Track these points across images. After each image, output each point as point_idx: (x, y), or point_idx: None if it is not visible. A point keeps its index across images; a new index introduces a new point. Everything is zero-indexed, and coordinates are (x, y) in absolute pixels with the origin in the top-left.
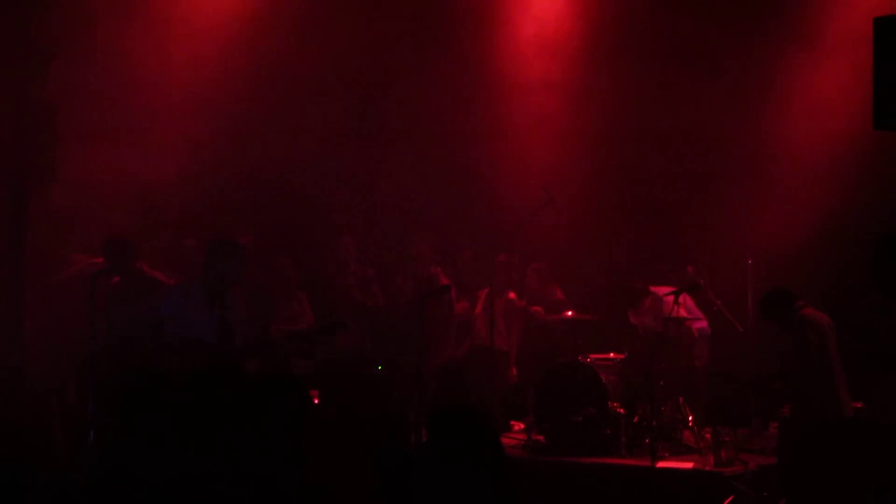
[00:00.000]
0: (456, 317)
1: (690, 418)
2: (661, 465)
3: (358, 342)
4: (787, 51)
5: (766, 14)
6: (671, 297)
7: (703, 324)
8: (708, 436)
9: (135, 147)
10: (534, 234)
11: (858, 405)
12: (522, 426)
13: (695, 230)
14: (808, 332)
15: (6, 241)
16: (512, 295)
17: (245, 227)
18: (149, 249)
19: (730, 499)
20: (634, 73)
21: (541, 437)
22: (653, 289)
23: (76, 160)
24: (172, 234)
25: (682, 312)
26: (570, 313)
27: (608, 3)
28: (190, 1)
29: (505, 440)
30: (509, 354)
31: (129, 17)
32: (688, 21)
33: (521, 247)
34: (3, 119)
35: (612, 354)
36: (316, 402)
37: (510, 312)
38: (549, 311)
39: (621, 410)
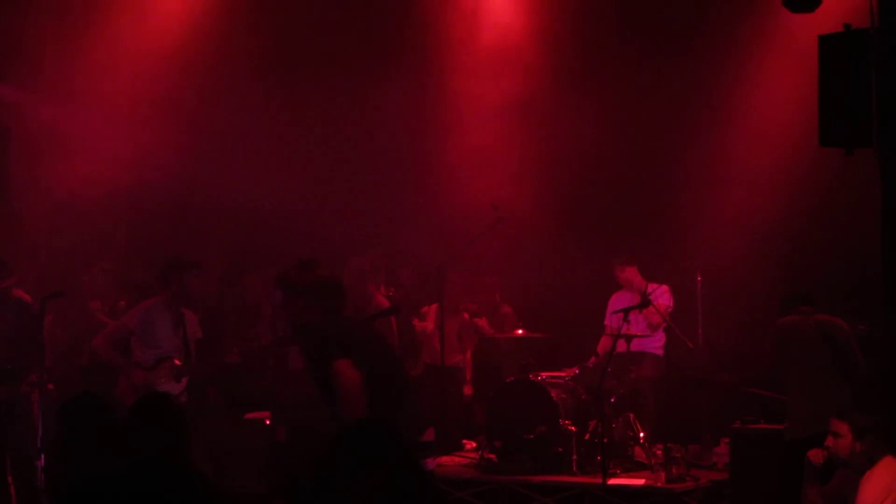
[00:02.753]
0: (397, 337)
1: (641, 435)
2: (612, 482)
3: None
4: (735, 68)
5: (714, 30)
6: (620, 315)
7: (656, 342)
8: (659, 452)
9: (84, 168)
10: (483, 252)
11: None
12: (474, 445)
13: (644, 248)
14: (766, 340)
15: None
16: (466, 314)
17: (213, 251)
18: (96, 272)
19: None
20: (582, 91)
21: (492, 456)
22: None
23: (25, 183)
24: (119, 256)
25: (633, 329)
26: (520, 332)
27: (559, 24)
28: (137, 14)
29: (457, 459)
30: (464, 372)
31: (76, 34)
32: (635, 36)
33: (469, 265)
34: None
35: (563, 372)
36: (267, 423)
37: (465, 330)
38: (497, 325)
39: (572, 428)
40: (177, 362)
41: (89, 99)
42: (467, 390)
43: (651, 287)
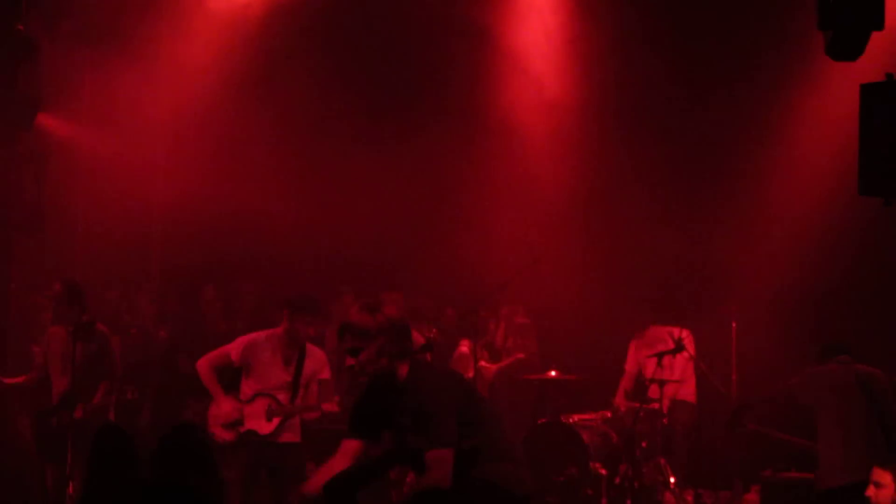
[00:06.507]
0: None
1: (672, 480)
2: None
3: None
4: (775, 117)
5: (754, 77)
6: (654, 360)
7: (688, 388)
8: (689, 498)
9: (119, 195)
10: (519, 293)
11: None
12: None
13: (679, 294)
14: (792, 387)
15: None
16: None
17: (246, 283)
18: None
19: None
20: (621, 133)
21: None
22: (657, 327)
23: (61, 211)
24: (156, 287)
25: (667, 374)
26: (553, 373)
27: (600, 63)
28: (174, 45)
29: None
30: None
31: (114, 64)
32: (676, 70)
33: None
34: None
35: (594, 414)
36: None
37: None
38: (524, 360)
39: (603, 471)
40: (276, 401)
41: (126, 127)
42: None
43: (676, 332)
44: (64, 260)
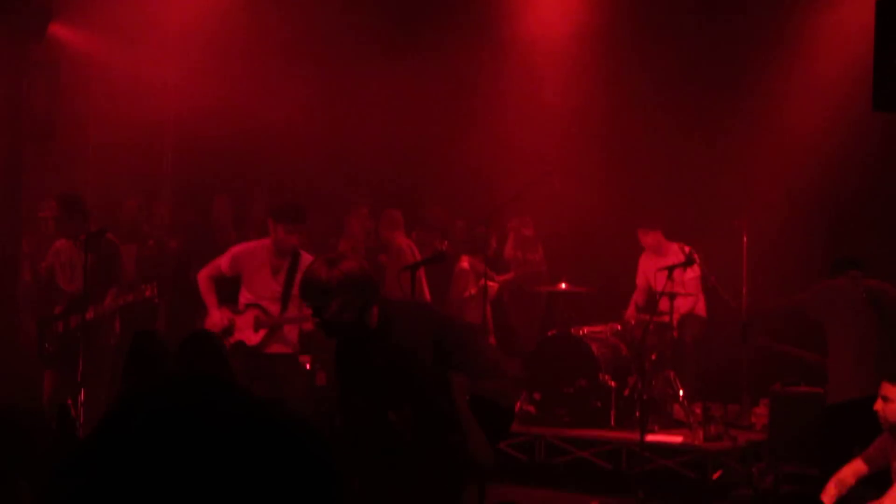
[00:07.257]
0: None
1: (681, 393)
2: (650, 438)
3: None
4: (790, 31)
5: None
6: (664, 273)
7: (699, 302)
8: (698, 411)
9: (131, 103)
10: (531, 206)
11: None
12: None
13: (691, 206)
14: (803, 300)
15: (1, 200)
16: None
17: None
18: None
19: (718, 473)
20: (635, 45)
21: (531, 408)
22: (667, 242)
23: (73, 118)
24: (170, 197)
25: (678, 288)
26: (563, 285)
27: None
28: None
29: None
30: (486, 325)
31: None
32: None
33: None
34: (2, 78)
35: (604, 327)
36: (308, 367)
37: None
38: (529, 273)
39: (612, 383)
40: (265, 312)
41: (139, 37)
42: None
43: (687, 248)
44: (75, 169)
